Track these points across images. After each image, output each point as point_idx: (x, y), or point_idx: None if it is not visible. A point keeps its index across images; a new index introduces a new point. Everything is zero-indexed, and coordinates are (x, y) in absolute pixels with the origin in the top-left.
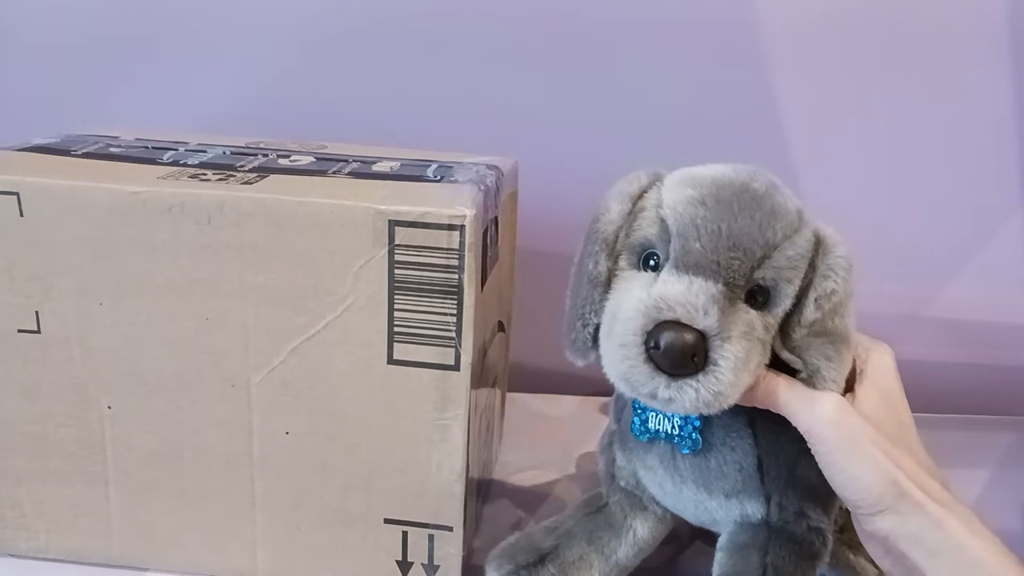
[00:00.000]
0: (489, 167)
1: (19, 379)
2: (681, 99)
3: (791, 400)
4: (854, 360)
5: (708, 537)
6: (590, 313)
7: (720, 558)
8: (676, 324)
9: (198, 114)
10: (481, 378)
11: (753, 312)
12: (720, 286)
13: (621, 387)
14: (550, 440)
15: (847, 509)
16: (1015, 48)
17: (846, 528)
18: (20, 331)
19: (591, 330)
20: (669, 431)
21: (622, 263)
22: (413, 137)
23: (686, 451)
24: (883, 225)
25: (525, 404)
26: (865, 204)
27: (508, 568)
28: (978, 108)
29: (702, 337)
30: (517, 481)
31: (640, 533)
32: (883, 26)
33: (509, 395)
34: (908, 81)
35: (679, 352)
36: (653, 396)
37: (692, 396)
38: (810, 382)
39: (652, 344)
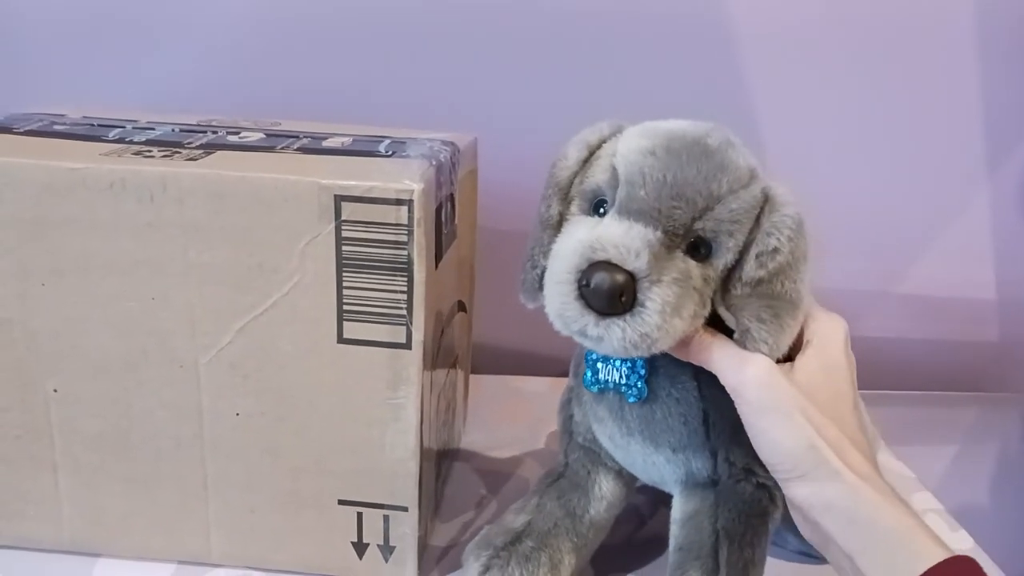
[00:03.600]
0: (444, 143)
1: None
2: (646, 79)
3: (721, 358)
4: (801, 330)
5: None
6: (539, 255)
7: (674, 530)
8: (608, 264)
9: (150, 95)
10: (439, 357)
11: (692, 262)
12: (659, 233)
13: (557, 325)
14: (515, 420)
15: None
16: (981, 31)
17: None
18: None
19: (539, 272)
20: (617, 380)
21: (574, 208)
22: (372, 116)
23: (632, 399)
24: (851, 204)
25: (490, 385)
26: (833, 183)
27: (487, 554)
28: (944, 89)
29: (632, 278)
30: (480, 461)
31: (605, 487)
32: (857, 10)
33: (475, 377)
34: (876, 63)
35: (607, 291)
36: (584, 334)
37: (619, 335)
38: (740, 342)
39: (584, 282)
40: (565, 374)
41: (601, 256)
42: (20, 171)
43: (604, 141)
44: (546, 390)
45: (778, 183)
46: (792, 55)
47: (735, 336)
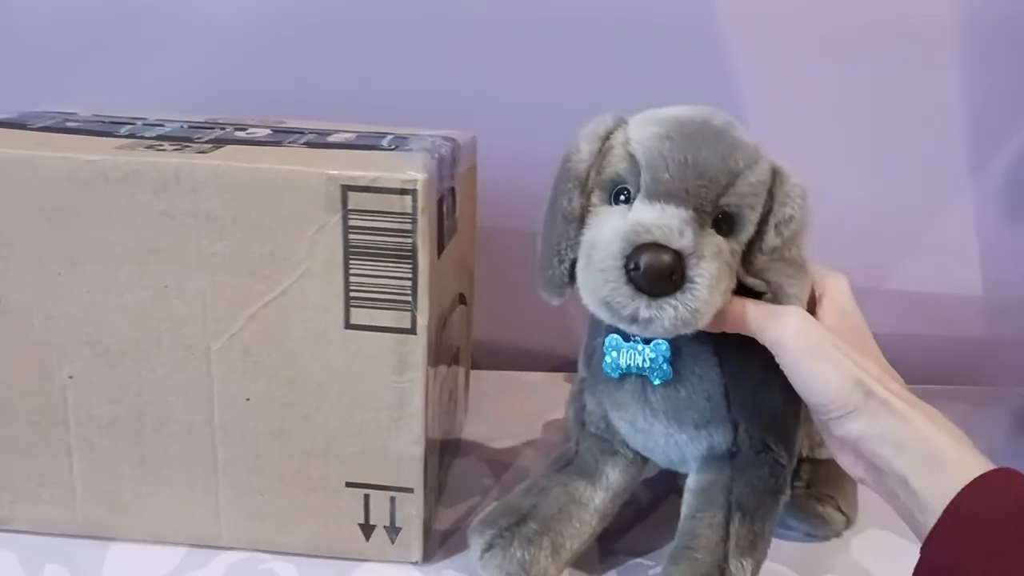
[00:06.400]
0: (445, 139)
1: None
2: (640, 78)
3: (757, 316)
4: (812, 287)
5: (666, 502)
6: (566, 249)
7: (687, 499)
8: (654, 246)
9: (155, 96)
10: (441, 347)
11: (720, 237)
12: (690, 212)
13: (602, 313)
14: (515, 413)
15: (813, 462)
16: (964, 33)
17: (813, 481)
18: None
19: (567, 265)
20: (640, 364)
21: (594, 199)
22: (373, 115)
23: (657, 382)
24: (837, 202)
25: (490, 380)
26: (819, 182)
27: (491, 532)
28: (928, 88)
29: (679, 257)
30: (482, 452)
31: (612, 477)
32: (838, 12)
33: (474, 372)
34: (860, 64)
35: (658, 271)
36: (634, 317)
37: (671, 314)
38: (775, 299)
39: (632, 266)
40: (560, 368)
41: (646, 238)
42: (39, 163)
43: (611, 132)
44: (540, 383)
45: (777, 156)
46: (778, 57)
47: (767, 296)
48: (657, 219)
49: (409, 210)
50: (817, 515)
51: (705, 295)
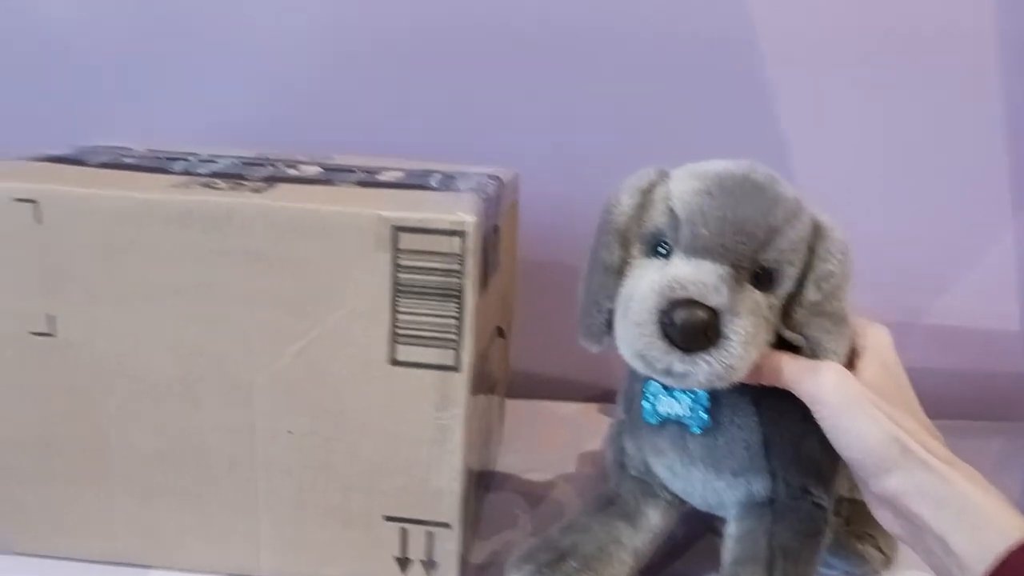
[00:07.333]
0: (491, 177)
1: (29, 381)
2: (681, 114)
3: (795, 371)
4: (853, 340)
5: (704, 539)
6: (604, 299)
7: (729, 545)
8: (689, 302)
9: (201, 130)
10: (480, 381)
11: (758, 292)
12: (727, 268)
13: (637, 365)
14: (549, 444)
15: (852, 501)
16: (1007, 62)
17: (852, 519)
18: (33, 334)
19: (605, 316)
20: (679, 412)
21: (634, 252)
22: (416, 149)
23: (696, 430)
24: (877, 235)
25: (525, 409)
26: (860, 214)
27: (529, 568)
28: (970, 120)
29: (714, 314)
30: (516, 484)
31: (653, 519)
32: (881, 39)
33: (510, 401)
34: (902, 93)
35: (693, 327)
36: (668, 371)
37: (705, 369)
38: (813, 354)
39: (667, 321)
40: (594, 398)
41: (681, 294)
42: (98, 201)
43: (654, 185)
44: (575, 414)
45: (818, 210)
46: (825, 88)
47: (805, 351)
48: (693, 275)
49: (458, 251)
50: (857, 553)
51: (739, 351)
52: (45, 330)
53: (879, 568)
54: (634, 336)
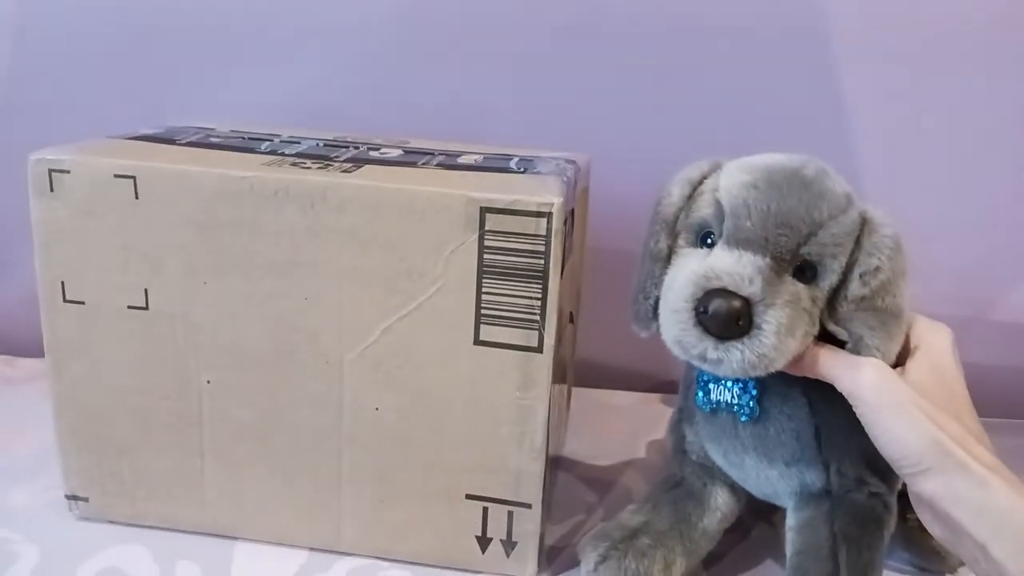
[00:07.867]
0: (568, 161)
1: (126, 353)
2: (750, 104)
3: (834, 365)
4: (908, 337)
5: (770, 522)
6: (651, 287)
7: (791, 537)
8: (724, 292)
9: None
10: (557, 365)
11: (800, 285)
12: (768, 259)
13: (675, 350)
14: (613, 431)
15: None
16: None
17: None
18: (130, 307)
19: (652, 302)
20: (729, 400)
21: (681, 241)
22: (483, 135)
23: (744, 419)
24: (945, 227)
25: (589, 397)
26: (928, 206)
27: (605, 545)
28: None
29: (747, 303)
30: (583, 470)
31: (720, 500)
32: (950, 33)
33: (574, 389)
34: (971, 83)
35: (724, 316)
36: (703, 358)
37: (738, 357)
38: (854, 350)
39: (702, 309)
40: (655, 389)
41: (716, 284)
42: (195, 178)
43: (705, 177)
44: (637, 403)
45: (874, 206)
46: (893, 80)
47: (848, 346)
48: (730, 266)
49: (543, 232)
50: (931, 549)
51: (772, 341)
52: (142, 303)
53: (955, 564)
54: (672, 323)
